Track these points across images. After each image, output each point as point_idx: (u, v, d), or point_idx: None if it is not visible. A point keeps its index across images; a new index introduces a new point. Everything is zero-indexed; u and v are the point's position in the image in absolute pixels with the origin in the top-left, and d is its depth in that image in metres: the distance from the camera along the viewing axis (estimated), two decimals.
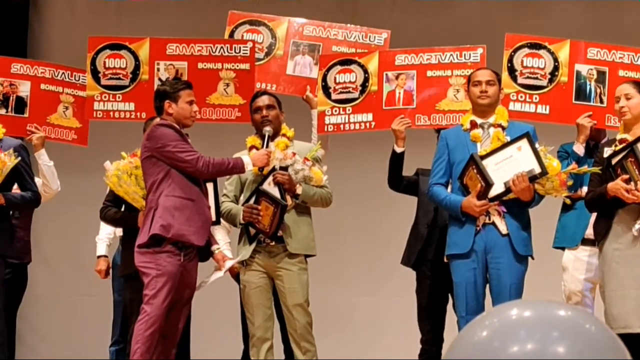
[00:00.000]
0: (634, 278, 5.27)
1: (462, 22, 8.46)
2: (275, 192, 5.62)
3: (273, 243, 5.69)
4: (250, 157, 5.56)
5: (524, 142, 5.41)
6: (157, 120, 5.67)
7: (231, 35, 6.74)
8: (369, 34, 6.73)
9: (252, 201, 5.69)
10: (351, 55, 6.50)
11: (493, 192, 5.38)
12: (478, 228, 5.44)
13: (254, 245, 5.71)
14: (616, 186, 5.26)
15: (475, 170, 5.39)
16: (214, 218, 5.87)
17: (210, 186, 5.92)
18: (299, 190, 5.68)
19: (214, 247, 5.78)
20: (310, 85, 6.60)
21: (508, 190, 5.36)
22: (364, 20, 7.16)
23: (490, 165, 5.40)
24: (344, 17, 7.16)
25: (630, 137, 5.46)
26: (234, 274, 6.17)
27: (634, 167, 5.25)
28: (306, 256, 5.81)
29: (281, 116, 5.92)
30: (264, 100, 5.91)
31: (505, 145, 5.46)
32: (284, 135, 5.87)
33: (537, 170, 5.35)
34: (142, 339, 5.31)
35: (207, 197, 5.66)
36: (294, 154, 5.73)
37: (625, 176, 5.26)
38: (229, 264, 5.80)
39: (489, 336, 2.12)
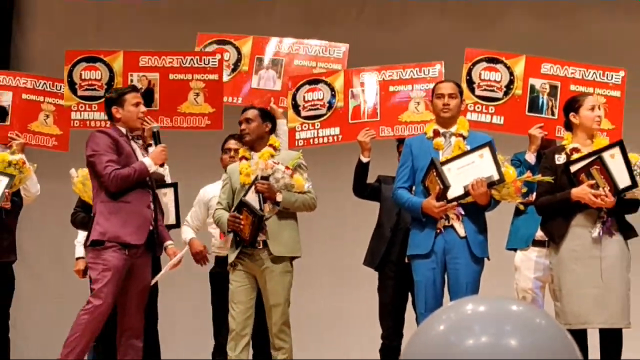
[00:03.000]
0: (592, 278, 5.38)
1: (423, 36, 8.50)
2: (255, 201, 5.73)
3: (260, 247, 5.77)
4: (149, 157, 5.61)
5: (486, 150, 5.49)
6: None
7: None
8: (329, 48, 6.78)
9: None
10: (318, 75, 6.55)
11: (452, 194, 5.45)
12: (438, 230, 5.52)
13: (239, 249, 5.80)
14: (583, 191, 5.36)
15: (435, 174, 5.46)
16: (173, 221, 6.01)
17: (170, 191, 5.97)
18: (279, 197, 5.75)
19: (167, 243, 5.83)
20: (274, 97, 6.64)
21: (467, 193, 5.45)
22: (329, 34, 7.18)
23: (453, 169, 5.48)
24: (310, 31, 7.20)
25: (579, 146, 5.56)
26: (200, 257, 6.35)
27: (600, 174, 5.35)
28: (292, 258, 5.88)
29: (265, 127, 6.01)
30: (245, 114, 6.03)
31: (469, 152, 5.54)
32: (270, 145, 5.96)
33: (496, 177, 5.44)
34: (81, 327, 5.38)
35: (153, 197, 5.68)
36: (275, 163, 5.79)
37: (592, 182, 5.35)
38: (177, 258, 5.85)
39: (446, 330, 2.14)
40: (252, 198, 5.76)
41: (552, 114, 6.27)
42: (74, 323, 5.40)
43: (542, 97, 6.31)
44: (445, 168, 5.47)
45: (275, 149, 5.97)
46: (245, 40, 6.82)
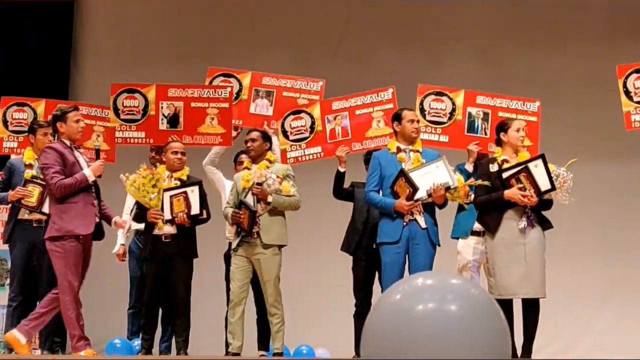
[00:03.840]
0: (518, 259, 5.39)
1: (383, 70, 8.50)
2: (252, 201, 5.83)
3: (255, 236, 5.82)
4: (90, 169, 5.52)
5: (440, 162, 5.53)
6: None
7: (210, 84, 6.77)
8: (309, 82, 6.76)
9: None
10: (300, 107, 6.56)
11: (417, 196, 5.47)
12: (405, 223, 5.51)
13: (240, 237, 5.87)
14: (514, 193, 5.39)
15: (404, 180, 5.47)
16: (197, 211, 5.95)
17: (196, 189, 5.96)
18: (270, 199, 5.82)
19: (115, 219, 5.82)
20: (267, 120, 6.65)
21: (429, 195, 5.46)
22: (311, 70, 7.21)
23: (415, 177, 5.49)
24: (297, 68, 7.21)
25: (508, 158, 5.59)
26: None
27: (527, 180, 5.38)
28: (280, 246, 5.93)
29: (265, 146, 6.07)
30: (250, 135, 6.09)
31: (427, 164, 5.56)
32: (267, 159, 6.03)
33: (451, 183, 5.46)
34: (70, 305, 5.32)
35: (96, 195, 5.59)
36: (269, 173, 5.86)
37: (520, 185, 5.38)
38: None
39: (401, 298, 2.14)
40: (249, 199, 5.85)
41: (485, 134, 6.32)
42: (62, 306, 5.32)
43: (477, 121, 6.36)
44: (411, 175, 5.50)
45: (270, 162, 6.04)
46: (245, 75, 6.81)
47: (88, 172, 5.47)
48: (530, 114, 6.30)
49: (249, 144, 6.07)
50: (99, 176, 5.55)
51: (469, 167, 6.11)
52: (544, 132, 6.32)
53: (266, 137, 6.14)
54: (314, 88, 6.75)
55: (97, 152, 5.78)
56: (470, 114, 6.35)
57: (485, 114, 6.35)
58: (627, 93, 6.18)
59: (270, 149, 6.16)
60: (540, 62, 8.52)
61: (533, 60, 8.56)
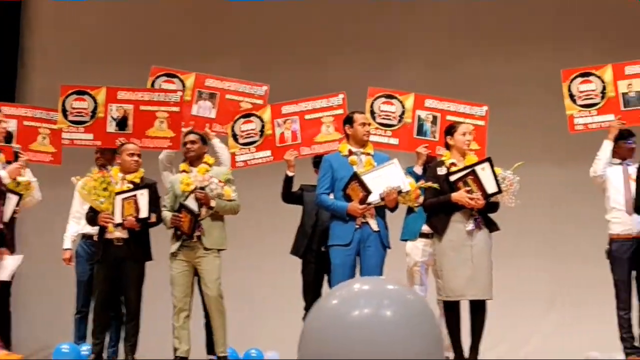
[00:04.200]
0: (465, 261, 5.42)
1: (331, 75, 8.49)
2: (194, 205, 5.79)
3: (195, 240, 5.79)
4: (6, 171, 5.48)
5: (393, 165, 5.55)
6: None
7: (152, 84, 6.70)
8: (254, 86, 6.73)
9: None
10: (249, 110, 6.54)
11: (370, 199, 5.47)
12: (357, 226, 5.51)
13: (179, 242, 5.84)
14: (461, 195, 5.42)
15: (357, 184, 5.47)
16: (147, 216, 5.87)
17: (145, 192, 5.88)
18: (213, 203, 5.79)
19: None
20: (209, 123, 6.60)
21: (382, 199, 5.47)
22: (262, 75, 7.18)
23: (368, 180, 5.49)
24: (247, 73, 7.15)
25: (456, 161, 5.62)
26: None
27: (474, 183, 5.41)
28: (219, 250, 5.90)
29: (204, 148, 6.04)
30: (189, 137, 6.08)
31: (379, 167, 5.57)
32: (205, 162, 5.99)
33: (403, 186, 5.48)
34: None
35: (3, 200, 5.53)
36: (210, 177, 5.84)
37: (468, 188, 5.41)
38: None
39: (338, 303, 2.15)
40: (191, 202, 5.81)
41: (434, 137, 6.35)
42: None
43: (426, 124, 6.38)
44: (363, 178, 5.50)
45: (209, 165, 5.99)
46: (189, 75, 6.74)
47: (4, 173, 5.41)
48: (477, 118, 6.33)
49: (188, 146, 6.03)
50: (16, 180, 5.42)
51: (418, 170, 6.13)
52: (491, 135, 6.36)
53: (204, 140, 6.13)
54: (257, 92, 6.73)
55: (16, 154, 5.73)
56: (419, 117, 6.38)
57: (434, 117, 6.37)
58: (572, 96, 6.27)
59: (207, 152, 6.12)
60: (487, 65, 8.57)
61: (480, 63, 8.61)
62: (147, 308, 6.16)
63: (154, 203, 5.99)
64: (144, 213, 5.90)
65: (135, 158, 6.06)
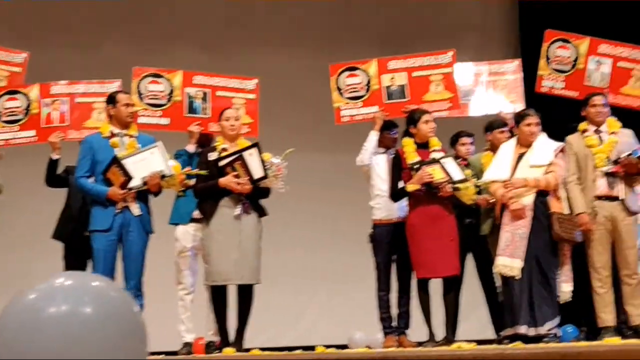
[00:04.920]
0: (233, 246, 5.44)
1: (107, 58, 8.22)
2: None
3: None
4: None
5: (156, 149, 5.47)
6: None
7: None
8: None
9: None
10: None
11: (132, 184, 5.36)
12: (117, 210, 5.38)
13: None
14: (228, 180, 5.45)
15: (118, 168, 5.33)
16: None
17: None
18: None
19: None
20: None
21: (144, 184, 5.38)
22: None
23: (129, 163, 5.38)
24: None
25: (227, 146, 5.64)
26: None
27: (242, 168, 5.44)
28: None
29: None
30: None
31: (142, 150, 5.47)
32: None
33: (167, 171, 5.44)
34: None
35: None
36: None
37: (235, 173, 5.44)
38: None
39: (36, 298, 2.07)
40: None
41: (205, 113, 6.33)
42: None
43: (196, 102, 6.34)
44: (124, 162, 5.36)
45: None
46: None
47: None
48: (248, 92, 6.41)
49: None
50: None
51: (190, 148, 6.10)
52: (264, 124, 6.42)
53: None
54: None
55: None
56: (189, 94, 6.32)
57: (205, 94, 6.34)
58: (339, 90, 6.45)
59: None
60: (261, 57, 8.63)
61: (254, 55, 8.67)
62: None
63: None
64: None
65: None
